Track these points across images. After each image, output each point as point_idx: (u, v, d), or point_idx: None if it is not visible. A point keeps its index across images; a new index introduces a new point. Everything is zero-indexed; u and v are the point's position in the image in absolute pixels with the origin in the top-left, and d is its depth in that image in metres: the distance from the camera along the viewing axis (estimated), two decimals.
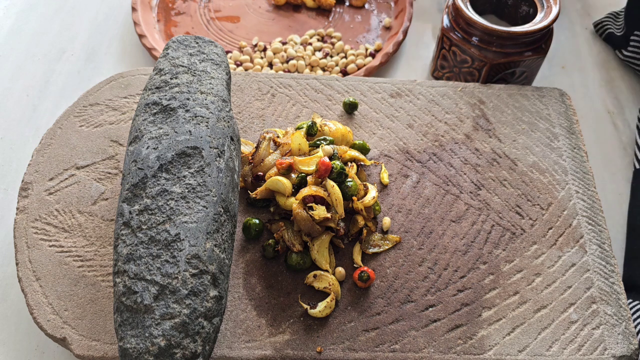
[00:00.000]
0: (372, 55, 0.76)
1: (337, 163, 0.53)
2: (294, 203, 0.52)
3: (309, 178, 0.53)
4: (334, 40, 0.78)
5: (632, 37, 0.75)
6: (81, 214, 0.55)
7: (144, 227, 0.43)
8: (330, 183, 0.52)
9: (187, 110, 0.50)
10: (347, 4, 0.83)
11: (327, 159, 0.53)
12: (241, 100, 0.65)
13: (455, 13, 0.67)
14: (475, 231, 0.56)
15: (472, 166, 0.61)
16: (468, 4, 0.67)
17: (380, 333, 0.49)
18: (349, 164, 0.57)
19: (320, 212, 0.51)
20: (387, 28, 0.80)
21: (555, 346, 0.49)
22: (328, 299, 0.50)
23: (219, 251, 0.44)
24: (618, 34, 0.78)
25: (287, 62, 0.75)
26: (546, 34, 0.67)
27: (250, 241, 0.54)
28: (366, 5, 0.83)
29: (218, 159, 0.47)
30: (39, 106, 0.72)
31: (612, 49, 0.80)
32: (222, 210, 0.45)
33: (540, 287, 0.53)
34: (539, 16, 0.66)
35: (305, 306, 0.50)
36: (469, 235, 0.56)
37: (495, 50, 0.65)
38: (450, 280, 0.53)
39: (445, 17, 0.69)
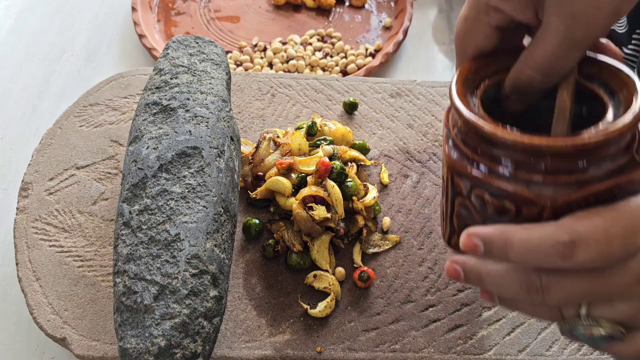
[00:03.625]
0: (372, 55, 0.76)
1: (337, 163, 0.53)
2: (294, 203, 0.52)
3: (309, 178, 0.53)
4: (334, 40, 0.78)
5: (634, 36, 0.75)
6: (81, 214, 0.55)
7: (144, 227, 0.43)
8: (330, 183, 0.52)
9: (187, 110, 0.50)
10: (347, 4, 0.83)
11: (327, 159, 0.53)
12: (241, 100, 0.65)
13: (468, 130, 0.37)
14: None
15: None
16: (481, 110, 0.38)
17: (380, 333, 0.49)
18: (349, 164, 0.57)
19: (320, 212, 0.51)
20: (387, 28, 0.80)
21: (555, 346, 0.49)
22: (328, 299, 0.50)
23: (219, 251, 0.44)
24: (620, 31, 0.78)
25: (287, 62, 0.75)
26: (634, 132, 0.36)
27: (250, 241, 0.54)
28: (366, 5, 0.83)
29: (218, 159, 0.47)
30: (39, 106, 0.72)
31: None
32: (222, 210, 0.45)
33: None
34: (611, 108, 0.37)
35: (305, 306, 0.50)
36: None
37: (556, 180, 0.35)
38: (450, 280, 0.53)
39: (449, 145, 0.39)
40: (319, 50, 0.77)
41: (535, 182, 0.35)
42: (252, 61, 0.76)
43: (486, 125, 0.35)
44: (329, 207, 0.52)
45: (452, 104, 0.38)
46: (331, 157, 0.55)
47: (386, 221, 0.56)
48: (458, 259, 0.37)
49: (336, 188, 0.52)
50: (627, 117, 0.34)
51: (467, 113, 0.36)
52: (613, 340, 0.35)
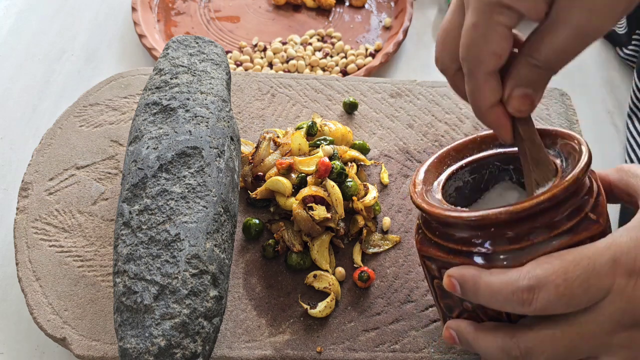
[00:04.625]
0: (372, 55, 0.76)
1: (337, 163, 0.53)
2: (294, 203, 0.52)
3: (309, 178, 0.53)
4: (334, 40, 0.78)
5: (634, 37, 0.75)
6: (81, 214, 0.55)
7: (144, 227, 0.43)
8: (330, 183, 0.52)
9: (187, 110, 0.50)
10: (347, 4, 0.83)
11: (327, 159, 0.53)
12: (241, 100, 0.65)
13: (426, 216, 0.40)
14: None
15: None
16: (440, 196, 0.41)
17: (380, 333, 0.49)
18: (349, 164, 0.57)
19: (320, 212, 0.51)
20: (387, 28, 0.80)
21: None
22: (328, 299, 0.50)
23: (219, 251, 0.44)
24: (620, 32, 0.78)
25: (287, 62, 0.75)
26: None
27: (250, 241, 0.54)
28: (366, 5, 0.83)
29: (218, 159, 0.47)
30: (39, 106, 0.72)
31: (612, 47, 0.80)
32: (222, 210, 0.45)
33: None
34: (561, 174, 0.38)
35: (305, 306, 0.50)
36: None
37: (507, 249, 0.36)
38: None
39: (418, 231, 0.42)
40: (319, 50, 0.77)
41: (490, 254, 0.36)
42: (252, 61, 0.76)
43: (434, 209, 0.38)
44: (329, 207, 0.52)
45: (411, 197, 0.40)
46: (331, 157, 0.55)
47: (386, 221, 0.56)
48: (452, 324, 0.39)
49: (336, 188, 0.52)
50: (555, 186, 0.35)
51: (419, 201, 0.39)
52: None
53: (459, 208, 0.38)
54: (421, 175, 0.42)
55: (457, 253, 0.37)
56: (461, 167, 0.43)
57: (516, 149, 0.40)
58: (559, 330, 0.33)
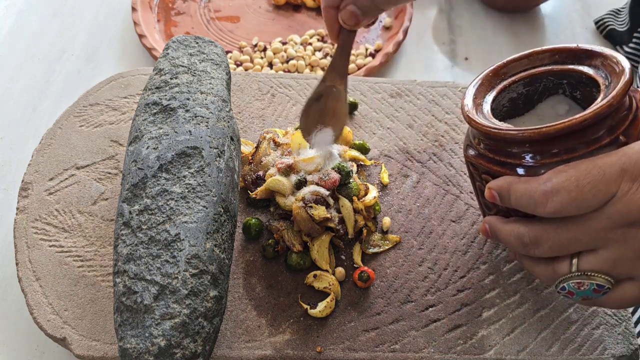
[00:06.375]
0: (372, 55, 0.76)
1: (344, 164, 0.53)
2: (294, 203, 0.52)
3: (308, 178, 0.53)
4: None
5: (635, 34, 0.75)
6: (81, 214, 0.55)
7: (144, 227, 0.43)
8: (343, 200, 0.52)
9: (187, 110, 0.50)
10: None
11: (336, 174, 0.53)
12: (241, 100, 0.65)
13: (473, 128, 0.44)
14: (475, 231, 0.56)
15: None
16: (490, 114, 0.45)
17: (380, 333, 0.49)
18: (349, 164, 0.57)
19: (320, 212, 0.51)
20: (387, 28, 0.80)
21: (555, 346, 0.49)
22: (328, 299, 0.50)
23: (219, 251, 0.44)
24: (621, 29, 0.78)
25: (287, 62, 0.75)
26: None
27: (250, 241, 0.54)
28: None
29: (218, 159, 0.47)
30: (39, 106, 0.72)
31: (612, 46, 0.80)
32: (222, 210, 0.45)
33: (540, 287, 0.53)
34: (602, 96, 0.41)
35: (305, 306, 0.50)
36: (469, 235, 0.56)
37: (542, 162, 0.40)
38: (450, 280, 0.53)
39: (466, 141, 0.47)
40: (319, 50, 0.77)
41: (532, 167, 0.40)
42: (252, 61, 0.76)
43: (485, 126, 0.42)
44: (328, 206, 0.52)
45: (462, 108, 0.45)
46: (339, 170, 0.55)
47: (386, 221, 0.56)
48: (486, 219, 0.45)
49: (348, 204, 0.52)
50: (587, 112, 0.38)
51: (474, 117, 0.43)
52: (602, 289, 0.39)
53: (507, 125, 0.42)
54: (472, 89, 0.46)
55: (502, 164, 0.42)
56: (515, 81, 0.46)
57: (569, 66, 0.44)
58: (564, 224, 0.38)
